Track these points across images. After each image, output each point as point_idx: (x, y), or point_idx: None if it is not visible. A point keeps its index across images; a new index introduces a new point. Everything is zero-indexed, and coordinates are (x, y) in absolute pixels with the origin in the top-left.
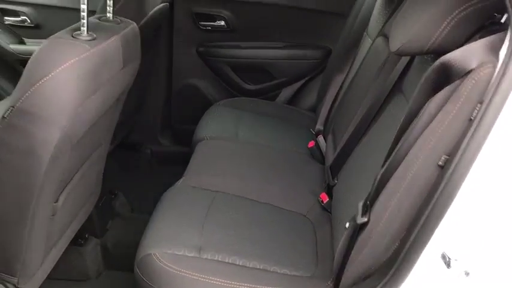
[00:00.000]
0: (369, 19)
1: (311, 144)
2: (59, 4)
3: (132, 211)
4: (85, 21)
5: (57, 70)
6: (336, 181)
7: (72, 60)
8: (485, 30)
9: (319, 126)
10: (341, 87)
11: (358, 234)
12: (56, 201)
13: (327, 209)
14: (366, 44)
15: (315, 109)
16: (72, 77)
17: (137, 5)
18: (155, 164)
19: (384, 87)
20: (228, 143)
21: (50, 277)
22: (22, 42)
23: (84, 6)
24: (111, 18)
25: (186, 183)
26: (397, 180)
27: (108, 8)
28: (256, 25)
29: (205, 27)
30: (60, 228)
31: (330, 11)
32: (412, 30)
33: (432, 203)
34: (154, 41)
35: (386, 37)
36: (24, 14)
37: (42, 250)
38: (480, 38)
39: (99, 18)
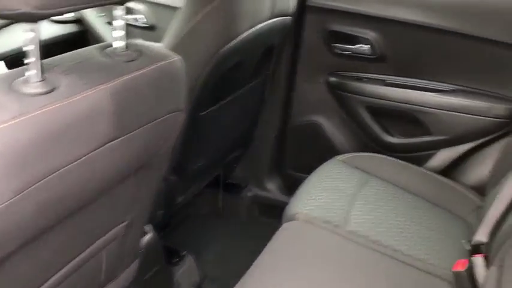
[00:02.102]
0: None
1: (458, 265)
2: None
3: (203, 279)
4: (34, 61)
5: None
6: None
7: None
8: None
9: (480, 236)
10: None
11: None
12: None
13: None
14: None
15: (483, 190)
16: None
17: (227, 18)
18: (256, 213)
19: None
20: (325, 235)
21: None
22: None
23: (34, 37)
24: (119, 48)
25: None
26: None
27: (115, 32)
28: (413, 56)
29: (342, 51)
30: None
31: None
32: None
33: None
34: (265, 63)
35: None
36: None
37: None
38: None
39: (103, 48)
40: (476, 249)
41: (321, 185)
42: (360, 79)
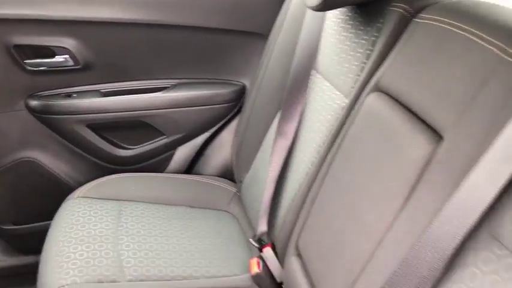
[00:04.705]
0: (312, 48)
1: (253, 266)
2: None
3: None
4: None
5: None
6: None
7: None
8: None
9: (261, 227)
10: (291, 150)
11: None
12: None
13: None
14: (320, 86)
15: (230, 174)
16: None
17: None
18: None
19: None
20: None
21: None
22: None
23: None
24: None
25: None
26: None
27: None
28: (123, 57)
29: (36, 67)
30: None
31: (237, 30)
32: None
33: None
34: None
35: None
36: None
37: None
38: None
39: None
40: (261, 242)
41: (71, 235)
42: (69, 95)
